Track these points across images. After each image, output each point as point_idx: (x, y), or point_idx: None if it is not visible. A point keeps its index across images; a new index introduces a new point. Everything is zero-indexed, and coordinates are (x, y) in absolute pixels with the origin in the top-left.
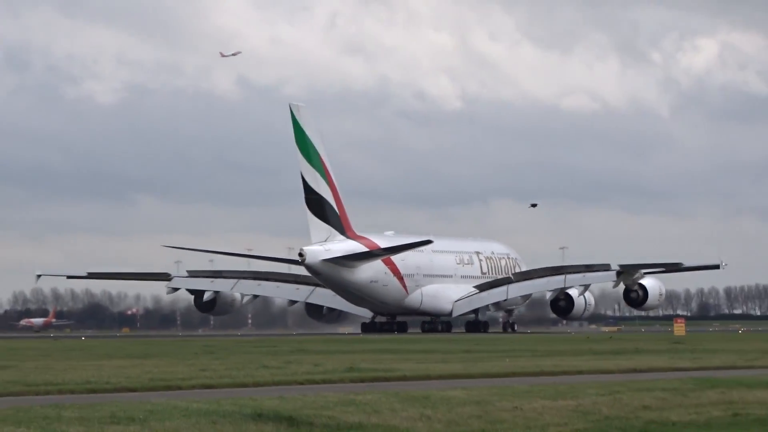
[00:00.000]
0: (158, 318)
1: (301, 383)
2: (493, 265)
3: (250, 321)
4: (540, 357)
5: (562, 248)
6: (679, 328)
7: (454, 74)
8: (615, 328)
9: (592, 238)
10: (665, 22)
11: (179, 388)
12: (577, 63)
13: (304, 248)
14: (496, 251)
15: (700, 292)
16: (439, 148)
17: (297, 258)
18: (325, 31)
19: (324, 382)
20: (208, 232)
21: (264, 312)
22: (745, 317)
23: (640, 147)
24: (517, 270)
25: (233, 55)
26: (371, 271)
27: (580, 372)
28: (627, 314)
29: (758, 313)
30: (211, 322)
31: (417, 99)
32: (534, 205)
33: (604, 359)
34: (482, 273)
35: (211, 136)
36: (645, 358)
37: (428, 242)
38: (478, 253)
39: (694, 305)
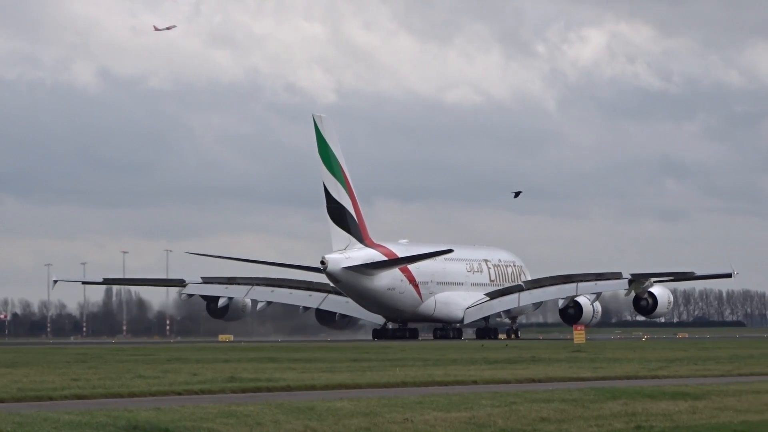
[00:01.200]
0: (28, 325)
1: (179, 393)
2: (500, 272)
3: (125, 328)
4: (432, 366)
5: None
6: (579, 336)
7: (328, 66)
8: (513, 336)
9: (480, 239)
10: (550, 12)
11: (50, 398)
12: (457, 55)
13: (326, 256)
14: (503, 259)
15: (602, 297)
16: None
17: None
18: (190, 20)
19: (203, 392)
20: (73, 234)
21: (140, 319)
22: (649, 324)
23: (528, 143)
24: (523, 277)
25: (167, 29)
26: (389, 279)
27: (474, 382)
28: (524, 321)
29: (662, 320)
30: (84, 330)
31: (289, 92)
32: (518, 194)
33: (500, 368)
34: (491, 280)
35: (72, 131)
36: (543, 367)
37: (449, 251)
38: (486, 260)
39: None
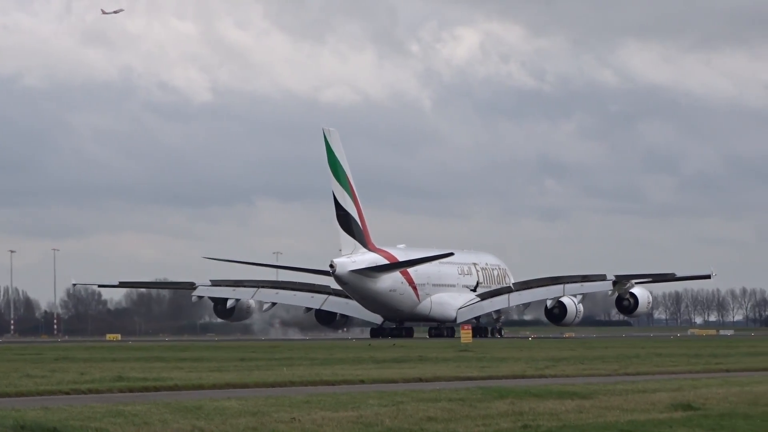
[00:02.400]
0: None
1: (67, 393)
2: (487, 275)
3: (12, 327)
4: (319, 365)
5: (275, 253)
6: (466, 336)
7: (202, 65)
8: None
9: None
10: (423, 12)
11: None
12: (331, 54)
13: (335, 260)
14: (489, 263)
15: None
16: (194, 144)
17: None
18: (61, 18)
19: (91, 391)
20: None
21: (28, 318)
22: (536, 323)
23: (407, 143)
24: (507, 279)
25: (115, 12)
26: (390, 281)
27: (362, 381)
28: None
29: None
30: None
31: (164, 90)
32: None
33: (387, 368)
34: (478, 283)
35: None
36: (430, 366)
37: (450, 254)
38: (475, 264)
39: None
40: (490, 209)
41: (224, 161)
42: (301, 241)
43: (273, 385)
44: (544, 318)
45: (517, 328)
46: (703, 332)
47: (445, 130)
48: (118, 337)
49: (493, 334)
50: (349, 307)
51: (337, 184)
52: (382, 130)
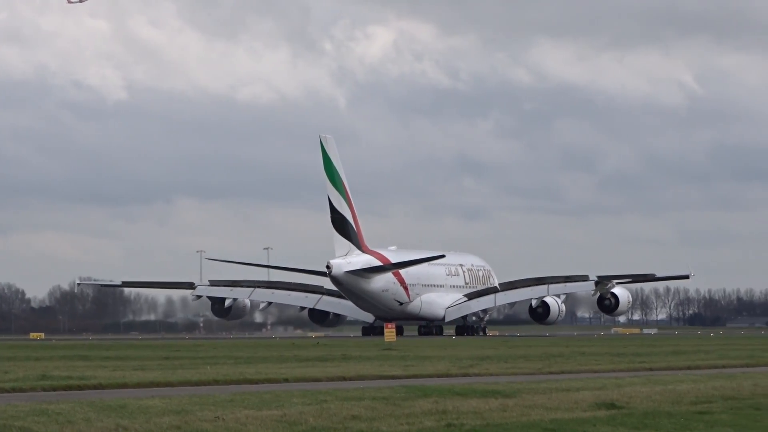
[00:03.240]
0: None
1: None
2: (473, 276)
3: None
4: (243, 364)
5: (266, 248)
6: (390, 334)
7: (117, 63)
8: (322, 334)
9: (287, 237)
10: (335, 10)
11: None
12: (245, 52)
13: (331, 261)
14: (475, 264)
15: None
16: (111, 142)
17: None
18: None
19: (14, 390)
20: None
21: None
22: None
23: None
24: (492, 280)
25: (80, 1)
26: (383, 282)
27: (286, 380)
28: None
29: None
30: None
31: (79, 89)
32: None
33: (311, 366)
34: (465, 283)
35: None
36: (354, 365)
37: (442, 256)
38: (461, 265)
39: None
40: (410, 208)
41: (142, 160)
42: (222, 239)
43: (197, 383)
44: (522, 316)
45: (498, 327)
46: (627, 331)
47: (361, 128)
48: (42, 335)
49: (477, 333)
50: (342, 307)
51: (333, 188)
52: (298, 128)
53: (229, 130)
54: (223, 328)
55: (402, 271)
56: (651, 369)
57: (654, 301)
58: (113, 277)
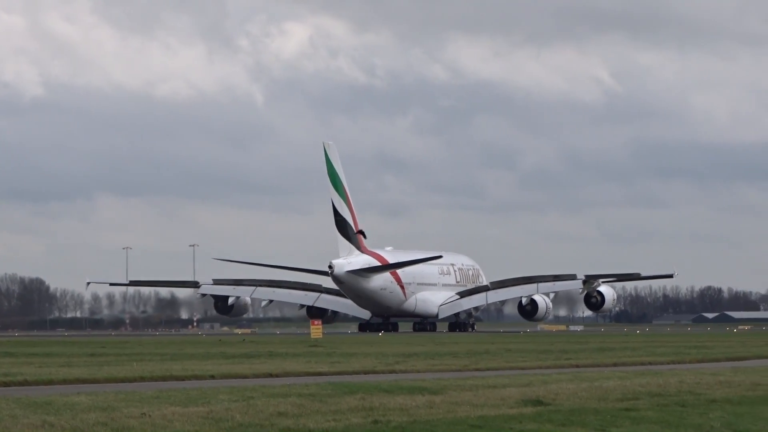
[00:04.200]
0: None
1: None
2: (463, 275)
3: None
4: (169, 361)
5: (192, 245)
6: (316, 331)
7: (32, 59)
8: (248, 330)
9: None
10: (251, 6)
11: None
12: (161, 48)
13: (333, 261)
14: (465, 263)
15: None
16: (29, 139)
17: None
18: None
19: None
20: None
21: None
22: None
23: (242, 137)
24: (481, 279)
25: None
26: (382, 281)
27: (212, 377)
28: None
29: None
30: None
31: None
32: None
33: (238, 363)
34: (456, 282)
35: None
36: (280, 362)
37: (439, 257)
38: (452, 265)
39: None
40: (330, 206)
41: (62, 156)
42: (145, 236)
43: (123, 380)
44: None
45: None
46: (553, 328)
47: (279, 125)
48: None
49: (466, 329)
50: (339, 304)
51: (336, 193)
52: (217, 125)
53: (147, 126)
54: (149, 325)
55: (399, 271)
56: (577, 366)
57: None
58: (36, 273)
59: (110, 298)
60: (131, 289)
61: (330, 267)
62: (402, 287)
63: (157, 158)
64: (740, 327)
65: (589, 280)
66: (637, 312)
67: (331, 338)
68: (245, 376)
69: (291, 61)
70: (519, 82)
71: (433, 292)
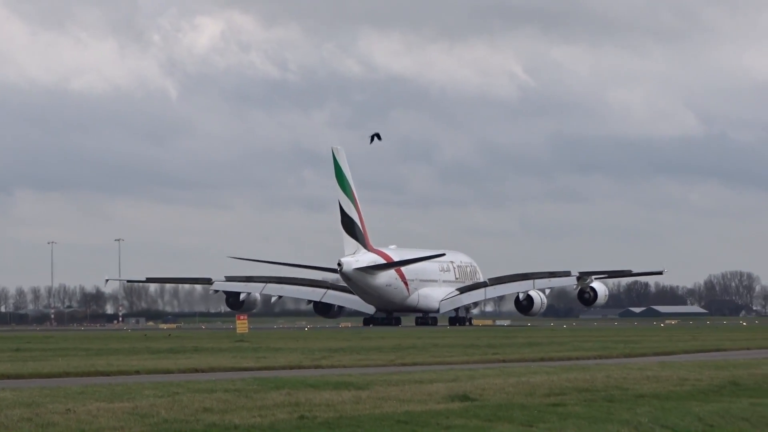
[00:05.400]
0: None
1: None
2: (462, 271)
3: None
4: (94, 356)
5: (117, 240)
6: (242, 326)
7: None
8: (173, 325)
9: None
10: (161, 0)
11: None
12: (73, 42)
13: (342, 259)
14: (463, 261)
15: None
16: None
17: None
18: None
19: None
20: None
21: None
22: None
23: (158, 132)
24: (478, 276)
25: None
26: (387, 277)
27: (137, 372)
28: (186, 310)
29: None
30: None
31: None
32: (374, 137)
33: (163, 358)
34: (456, 278)
35: None
36: (206, 357)
37: (442, 255)
38: (452, 262)
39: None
40: (252, 199)
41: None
42: (67, 232)
43: (48, 376)
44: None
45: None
46: (480, 323)
47: (195, 119)
48: None
49: (463, 323)
50: (345, 299)
51: (344, 195)
52: (134, 119)
53: (64, 120)
54: (74, 320)
55: (403, 268)
56: (504, 361)
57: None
58: None
59: (35, 292)
60: (56, 284)
61: (339, 264)
62: (406, 283)
63: (75, 153)
64: (667, 321)
65: (583, 276)
66: (564, 306)
67: (257, 333)
68: (171, 372)
69: (203, 55)
70: (433, 77)
71: (435, 288)
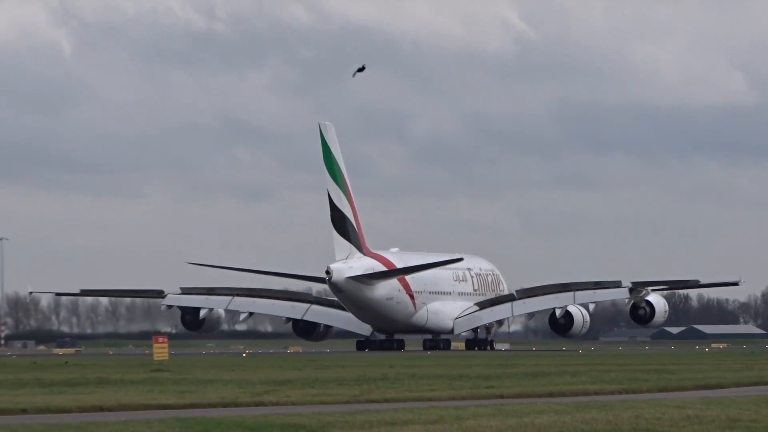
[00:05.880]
0: None
1: None
2: (482, 281)
3: None
4: None
5: (1, 239)
6: (161, 351)
7: None
8: (72, 350)
9: (20, 225)
10: None
11: None
12: None
13: (331, 266)
14: (483, 268)
15: None
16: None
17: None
18: None
19: None
20: None
21: None
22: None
23: (47, 99)
24: (501, 286)
25: None
26: (388, 289)
27: (24, 411)
28: (88, 331)
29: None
30: None
31: None
32: (360, 69)
33: (58, 393)
34: (474, 290)
35: None
36: (114, 391)
37: (460, 259)
38: (469, 269)
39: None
40: (170, 186)
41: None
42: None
43: None
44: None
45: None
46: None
47: (94, 82)
48: None
49: (484, 347)
50: (334, 317)
51: (333, 182)
52: (13, 83)
53: None
54: None
55: (409, 277)
56: (502, 396)
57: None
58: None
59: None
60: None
61: (327, 272)
62: (411, 297)
63: None
64: (713, 345)
65: (637, 288)
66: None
67: (180, 360)
68: (67, 411)
69: (106, 1)
70: (404, 28)
71: (447, 303)
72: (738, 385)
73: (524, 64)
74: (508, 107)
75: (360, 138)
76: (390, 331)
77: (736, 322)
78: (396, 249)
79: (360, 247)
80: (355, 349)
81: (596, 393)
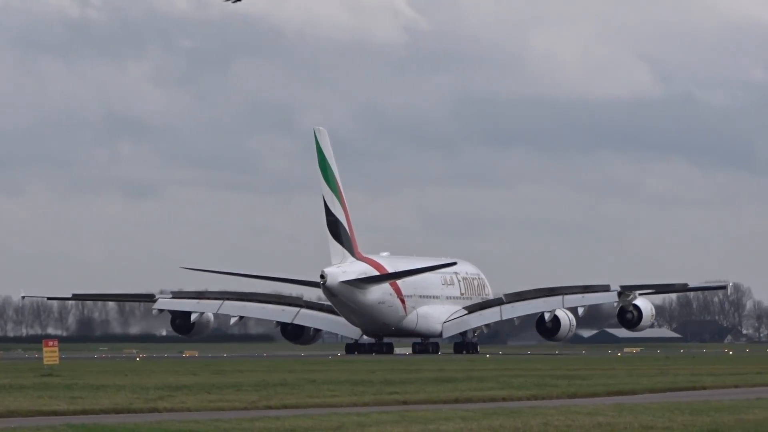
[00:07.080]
0: None
1: None
2: (468, 285)
3: None
4: None
5: None
6: (51, 355)
7: None
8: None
9: None
10: None
11: None
12: None
13: (326, 270)
14: (469, 272)
15: None
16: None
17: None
18: None
19: None
20: None
21: None
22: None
23: None
24: (486, 290)
25: None
26: (380, 293)
27: None
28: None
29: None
30: None
31: None
32: None
33: None
34: (461, 293)
35: None
36: (2, 396)
37: (453, 263)
38: (456, 273)
39: (72, 321)
40: (50, 183)
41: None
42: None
43: None
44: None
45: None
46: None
47: None
48: None
49: (471, 350)
50: (324, 321)
51: (327, 187)
52: None
53: None
54: None
55: (400, 281)
56: (406, 402)
57: None
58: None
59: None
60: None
61: (322, 277)
62: (402, 300)
63: None
64: (626, 350)
65: (625, 291)
66: (488, 330)
67: (71, 365)
68: None
69: None
70: (287, 15)
71: (437, 307)
72: (652, 391)
73: (417, 54)
74: (402, 99)
75: (245, 132)
76: (380, 335)
77: (649, 325)
78: (386, 253)
79: (353, 251)
80: (345, 353)
81: (504, 399)
